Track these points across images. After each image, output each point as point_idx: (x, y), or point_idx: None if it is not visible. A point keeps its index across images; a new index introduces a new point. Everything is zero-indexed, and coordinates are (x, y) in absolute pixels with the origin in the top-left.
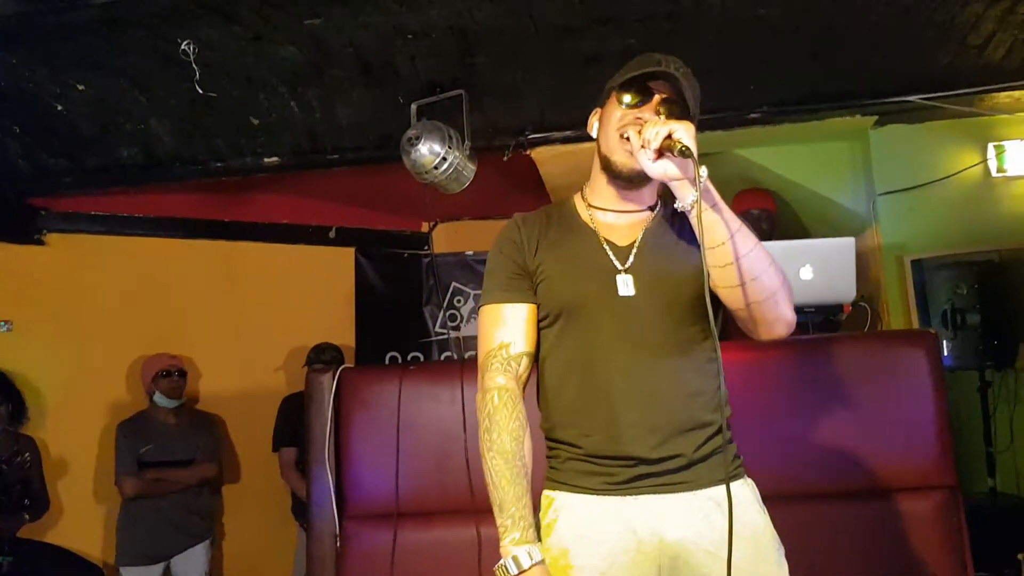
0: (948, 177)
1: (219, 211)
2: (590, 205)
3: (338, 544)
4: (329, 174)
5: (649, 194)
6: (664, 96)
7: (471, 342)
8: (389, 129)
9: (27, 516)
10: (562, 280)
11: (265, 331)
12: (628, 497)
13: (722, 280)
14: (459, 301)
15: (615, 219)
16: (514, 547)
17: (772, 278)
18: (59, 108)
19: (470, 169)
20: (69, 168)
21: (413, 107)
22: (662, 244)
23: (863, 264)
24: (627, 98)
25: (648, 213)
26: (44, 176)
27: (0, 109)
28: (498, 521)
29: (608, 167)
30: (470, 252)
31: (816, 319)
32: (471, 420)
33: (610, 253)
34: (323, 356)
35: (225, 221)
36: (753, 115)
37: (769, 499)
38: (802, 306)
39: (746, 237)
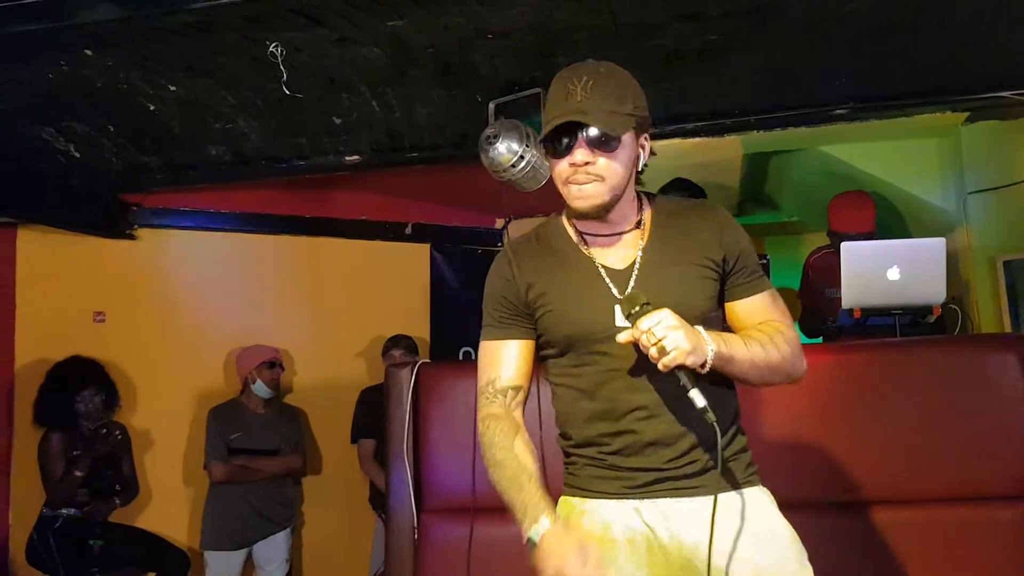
0: None
1: (302, 207)
2: (578, 231)
3: (416, 537)
4: (406, 172)
5: (629, 207)
6: (586, 136)
7: None
8: (467, 127)
9: (118, 501)
10: (564, 313)
11: (344, 325)
12: (646, 500)
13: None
14: None
15: (606, 241)
16: (527, 532)
17: (778, 374)
18: (151, 108)
19: (547, 167)
20: (160, 165)
21: (491, 106)
22: (661, 263)
23: (953, 265)
24: (556, 149)
25: (636, 230)
26: (136, 173)
27: (95, 109)
28: (517, 509)
29: (572, 213)
30: None
31: (904, 320)
32: (546, 416)
33: (608, 281)
34: (399, 344)
35: (307, 217)
36: (839, 111)
37: (854, 504)
38: (889, 307)
39: (755, 366)
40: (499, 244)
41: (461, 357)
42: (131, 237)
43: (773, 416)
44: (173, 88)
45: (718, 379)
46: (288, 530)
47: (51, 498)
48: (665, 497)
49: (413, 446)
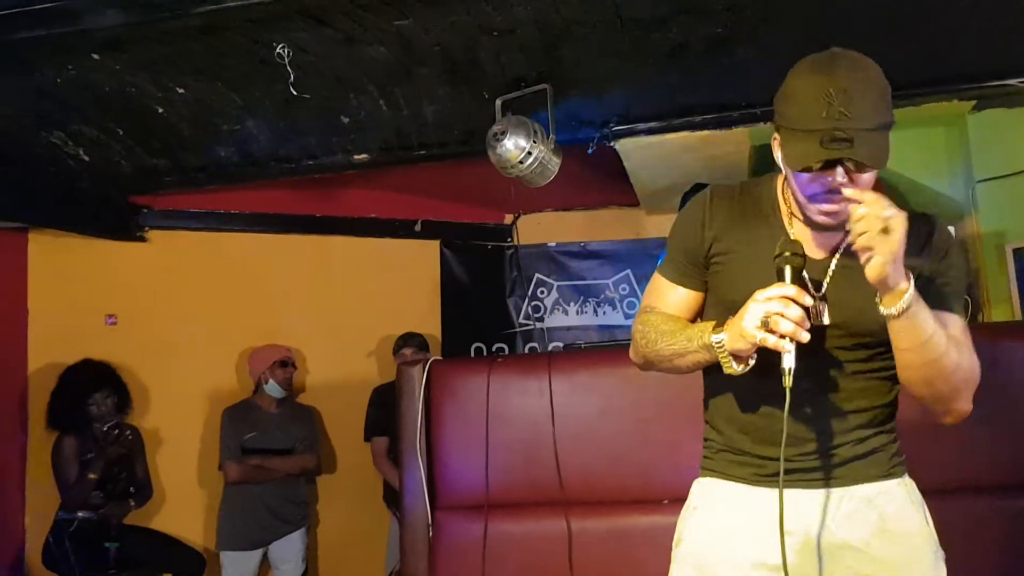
0: None
1: (311, 206)
2: (791, 213)
3: (430, 534)
4: (415, 169)
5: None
6: (848, 166)
7: (555, 333)
8: (474, 124)
9: (132, 503)
10: (738, 277)
11: (355, 323)
12: (775, 489)
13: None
14: (542, 292)
15: (812, 228)
16: (708, 339)
17: (947, 382)
18: (160, 111)
19: (555, 163)
20: (169, 168)
21: (498, 102)
22: (860, 268)
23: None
24: (807, 173)
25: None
26: (146, 176)
27: (104, 112)
28: (685, 345)
29: (807, 222)
30: (553, 243)
31: None
32: (559, 412)
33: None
34: (411, 342)
35: (316, 216)
36: None
37: None
38: None
39: (931, 347)
40: (508, 240)
41: (473, 354)
42: (141, 239)
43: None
44: (181, 90)
45: (880, 363)
46: (303, 529)
47: (66, 501)
48: (799, 487)
49: (426, 444)
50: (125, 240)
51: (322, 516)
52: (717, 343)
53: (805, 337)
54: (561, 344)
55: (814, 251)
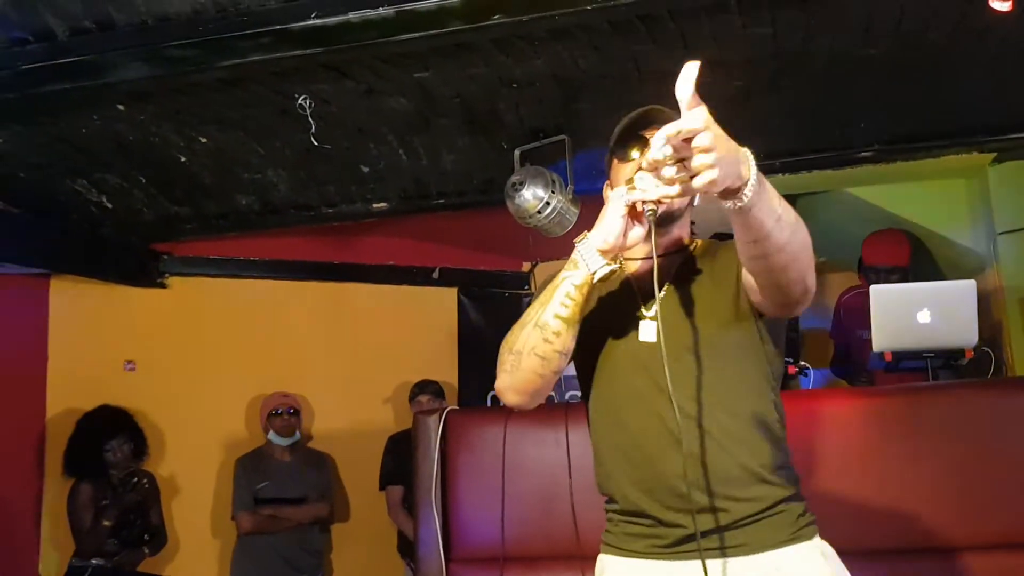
0: None
1: (329, 253)
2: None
3: None
4: (433, 217)
5: (678, 232)
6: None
7: (572, 381)
8: (492, 174)
9: (147, 550)
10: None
11: (372, 370)
12: (677, 562)
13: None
14: None
15: (642, 264)
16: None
17: (804, 248)
18: (182, 159)
19: (573, 213)
20: (191, 215)
21: (517, 152)
22: (690, 282)
23: (984, 306)
24: (629, 154)
25: (680, 250)
26: (167, 223)
27: (127, 161)
28: (548, 292)
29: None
30: None
31: (936, 364)
32: (576, 463)
33: (638, 297)
34: (427, 390)
35: (335, 263)
36: (865, 153)
37: (890, 552)
38: (921, 351)
39: (782, 220)
40: (526, 287)
41: (489, 402)
42: (162, 286)
43: (802, 463)
44: (203, 140)
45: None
46: None
47: (80, 548)
48: (697, 559)
49: (442, 494)
50: (145, 286)
51: (336, 565)
52: (581, 249)
53: (673, 190)
54: (578, 393)
55: (647, 282)
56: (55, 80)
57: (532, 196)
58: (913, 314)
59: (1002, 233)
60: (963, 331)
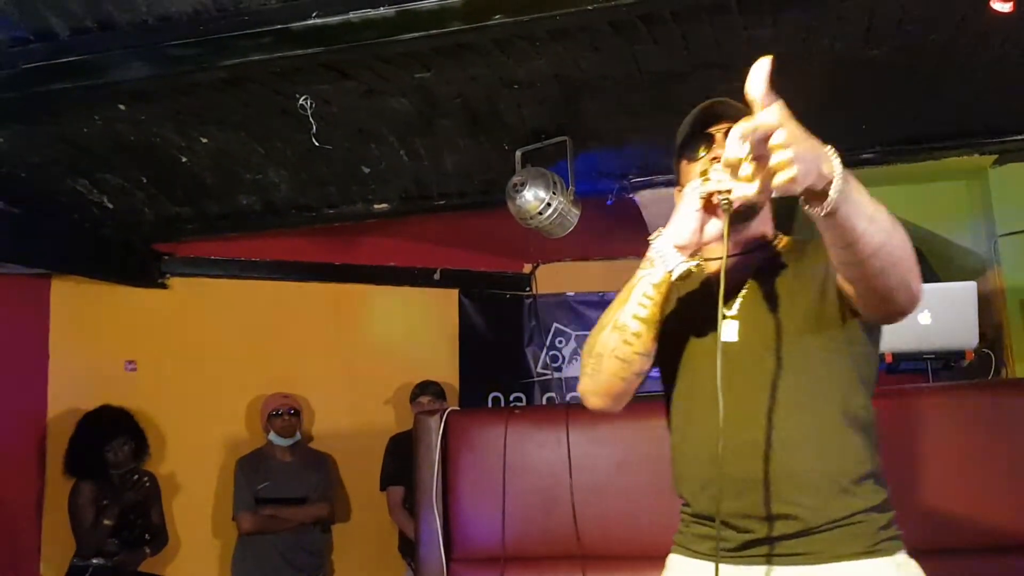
0: None
1: (331, 255)
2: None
3: None
4: (434, 218)
5: (758, 228)
6: (727, 129)
7: (573, 382)
8: (494, 175)
9: (147, 550)
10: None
11: (373, 371)
12: (741, 566)
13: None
14: (560, 342)
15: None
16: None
17: (904, 258)
18: (183, 160)
19: (574, 214)
20: (192, 216)
21: (518, 153)
22: (779, 279)
23: (985, 308)
24: (694, 152)
25: (762, 247)
26: (168, 223)
27: (129, 161)
28: (626, 291)
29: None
30: (571, 293)
31: (936, 365)
32: (577, 464)
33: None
34: (428, 391)
35: (336, 264)
36: (866, 155)
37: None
38: (921, 352)
39: (877, 223)
40: (527, 289)
41: (490, 403)
42: (163, 286)
43: None
44: (205, 140)
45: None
46: None
47: (81, 548)
48: (761, 564)
49: (442, 494)
50: (146, 287)
51: (337, 566)
52: (657, 246)
53: (751, 188)
54: (578, 395)
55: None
56: (56, 79)
57: (533, 197)
58: (914, 315)
59: (1003, 235)
60: (964, 333)
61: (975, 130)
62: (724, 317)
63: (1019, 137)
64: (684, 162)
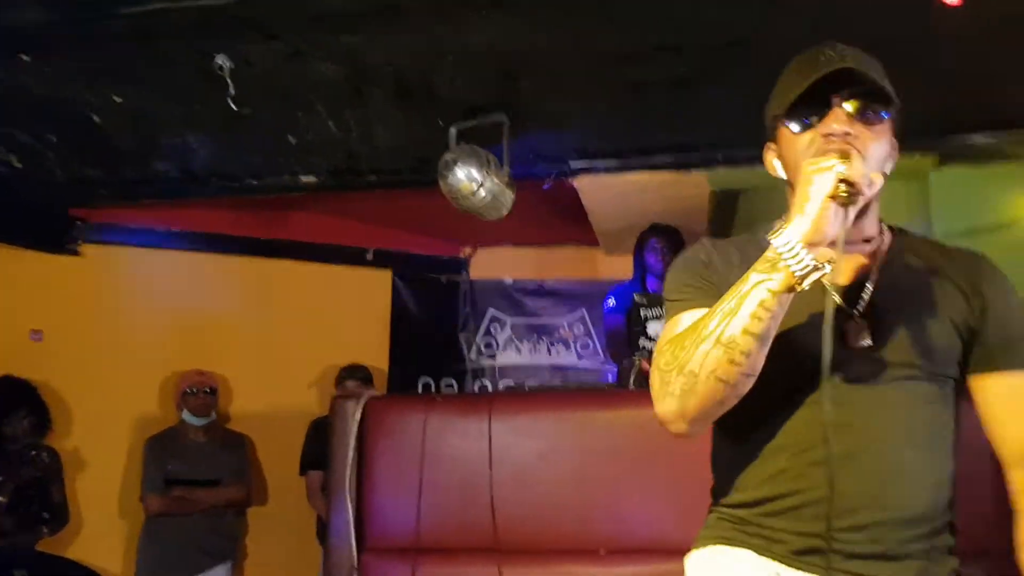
0: (1014, 223)
1: (256, 229)
2: None
3: None
4: (368, 195)
5: (871, 222)
6: (848, 94)
7: (507, 371)
8: (428, 152)
9: (45, 529)
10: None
11: (298, 351)
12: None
13: None
14: (496, 329)
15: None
16: (771, 250)
17: None
18: (96, 119)
19: (508, 196)
20: (105, 179)
21: (452, 130)
22: (906, 282)
23: None
24: (804, 119)
25: (876, 244)
26: (81, 187)
27: (37, 118)
28: (735, 299)
29: None
30: (509, 279)
31: None
32: (498, 455)
33: (833, 293)
34: (355, 374)
35: (262, 239)
36: None
37: None
38: None
39: None
40: (463, 273)
41: (420, 389)
42: (74, 253)
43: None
44: (118, 99)
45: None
46: (229, 564)
47: None
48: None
49: (357, 482)
50: (57, 253)
51: (251, 551)
52: (784, 245)
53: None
54: (512, 382)
55: (843, 276)
56: None
57: (466, 176)
58: None
59: (940, 238)
60: None
61: (918, 129)
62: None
63: (963, 139)
64: (787, 128)
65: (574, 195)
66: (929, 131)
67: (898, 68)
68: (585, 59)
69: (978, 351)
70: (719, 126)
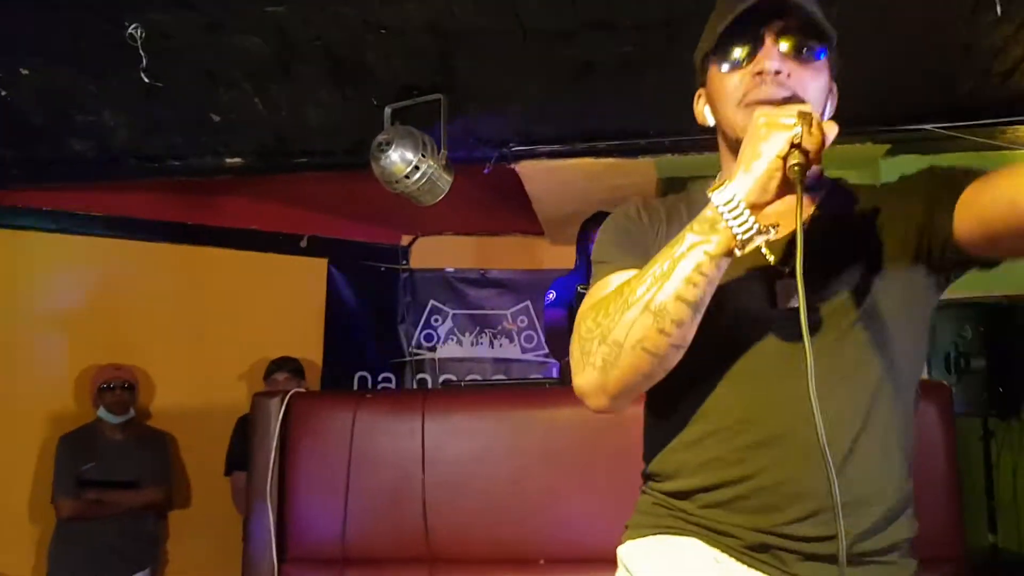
0: None
1: (182, 213)
2: None
3: None
4: (301, 179)
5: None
6: (781, 29)
7: (448, 364)
8: (362, 133)
9: None
10: None
11: (226, 344)
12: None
13: None
14: (436, 320)
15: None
16: (711, 207)
17: None
18: (3, 94)
19: (445, 180)
20: (16, 159)
21: (387, 110)
22: (837, 234)
23: None
24: (733, 56)
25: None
26: None
27: None
28: (668, 258)
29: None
30: (451, 268)
31: None
32: (431, 456)
33: (764, 250)
34: (284, 367)
35: (188, 224)
36: None
37: None
38: None
39: None
40: (403, 262)
41: (356, 384)
42: None
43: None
44: (26, 72)
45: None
46: (148, 571)
47: None
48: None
49: (278, 486)
50: None
51: (172, 555)
52: (725, 203)
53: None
54: (453, 376)
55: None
56: None
57: (400, 159)
58: None
59: None
60: None
61: (868, 117)
62: (781, 279)
63: (913, 127)
64: (716, 66)
65: (518, 182)
66: (880, 119)
67: (850, 55)
68: (523, 37)
69: (944, 217)
70: (666, 111)
